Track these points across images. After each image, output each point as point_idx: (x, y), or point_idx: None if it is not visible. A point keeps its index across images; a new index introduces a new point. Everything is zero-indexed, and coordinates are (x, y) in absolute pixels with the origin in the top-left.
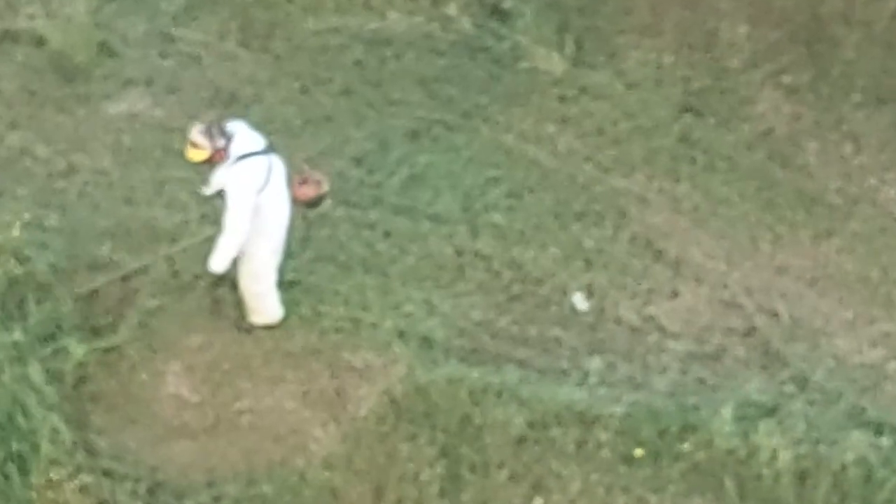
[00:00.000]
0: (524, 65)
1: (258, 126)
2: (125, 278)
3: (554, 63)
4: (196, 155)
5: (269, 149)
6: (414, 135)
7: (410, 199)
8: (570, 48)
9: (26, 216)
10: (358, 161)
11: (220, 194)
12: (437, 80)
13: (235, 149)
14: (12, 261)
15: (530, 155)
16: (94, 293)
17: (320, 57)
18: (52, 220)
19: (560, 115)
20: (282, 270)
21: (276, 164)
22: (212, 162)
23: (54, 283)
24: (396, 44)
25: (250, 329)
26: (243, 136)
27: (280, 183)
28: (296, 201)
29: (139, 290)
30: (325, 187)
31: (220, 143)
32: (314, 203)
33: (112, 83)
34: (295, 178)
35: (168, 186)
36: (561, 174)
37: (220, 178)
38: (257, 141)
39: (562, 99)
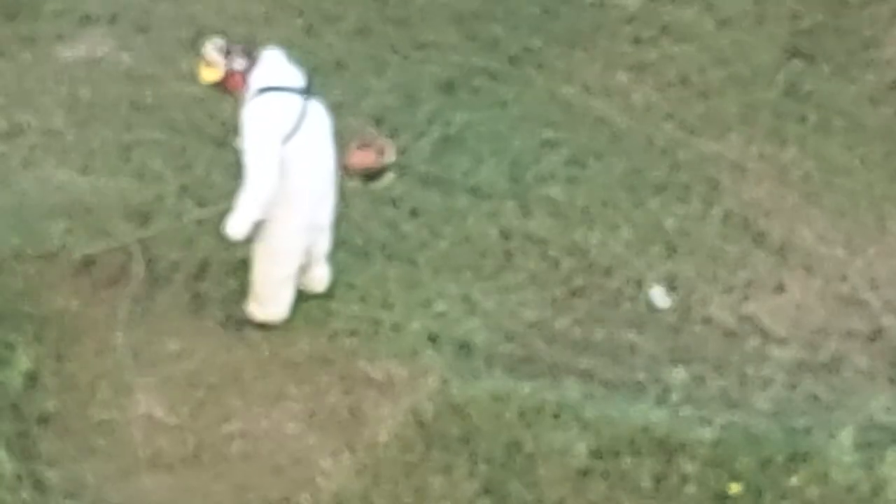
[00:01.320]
0: None
1: None
2: (82, 268)
3: None
4: (207, 74)
5: (309, 91)
6: (448, 86)
7: (444, 168)
8: None
9: None
10: (378, 119)
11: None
12: (478, 17)
13: (259, 78)
14: None
15: (596, 111)
16: (43, 287)
17: None
18: None
19: (635, 62)
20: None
21: (316, 113)
22: (226, 87)
23: None
24: None
25: (241, 325)
26: (274, 65)
27: (318, 138)
28: (348, 170)
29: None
30: (391, 156)
31: (239, 64)
32: (373, 175)
33: (66, 21)
34: (352, 142)
35: (137, 151)
36: (635, 136)
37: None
38: (293, 77)
39: (637, 41)
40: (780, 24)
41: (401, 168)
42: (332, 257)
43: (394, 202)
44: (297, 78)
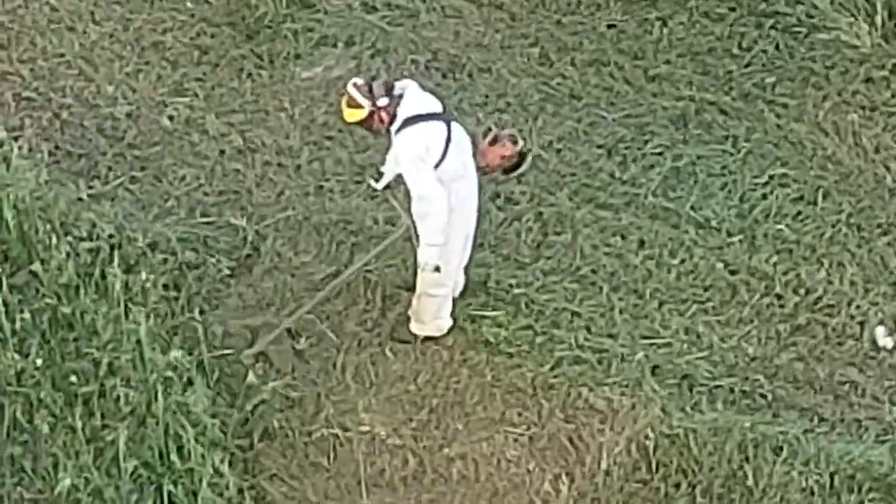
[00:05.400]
0: (822, 36)
1: (486, 103)
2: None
3: (860, 34)
4: (351, 115)
5: (448, 115)
6: (680, 120)
7: (673, 201)
8: (881, 15)
9: (190, 203)
10: (609, 151)
11: (393, 189)
12: (712, 52)
13: (405, 110)
14: (170, 259)
15: (827, 150)
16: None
17: (566, 18)
18: (223, 209)
19: (866, 102)
20: (467, 271)
21: (458, 136)
22: (370, 125)
23: (223, 290)
24: (662, 5)
25: (410, 341)
26: (414, 97)
27: (462, 159)
28: (488, 169)
29: (329, 302)
30: (521, 143)
31: (383, 101)
32: (514, 165)
33: (304, 41)
34: (479, 142)
35: (370, 173)
36: (865, 175)
37: (391, 163)
38: (431, 104)
39: (869, 80)
40: None
41: (578, 192)
42: (559, 285)
43: (622, 233)
44: (436, 104)
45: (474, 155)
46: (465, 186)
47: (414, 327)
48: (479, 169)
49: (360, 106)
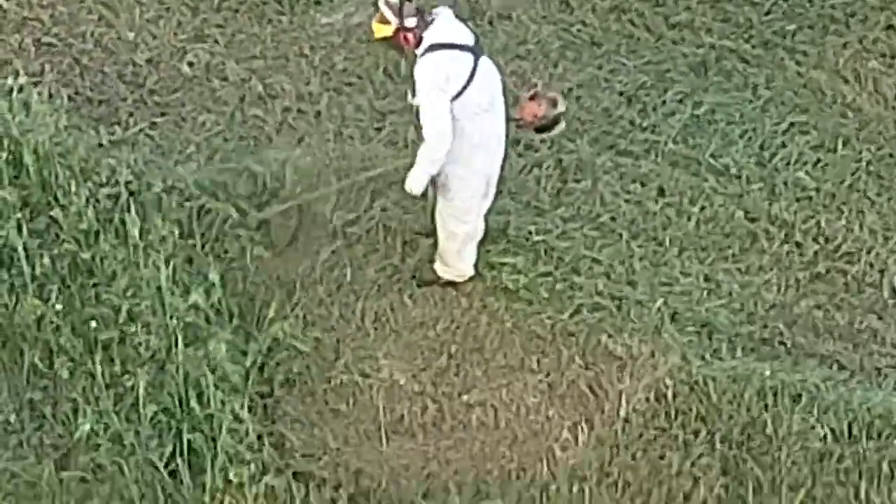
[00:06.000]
0: None
1: (506, 49)
2: (332, 233)
3: None
4: (379, 30)
5: (479, 48)
6: (700, 67)
7: (692, 148)
8: None
9: (209, 149)
10: (629, 98)
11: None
12: (732, 0)
13: (431, 35)
14: (190, 205)
15: (847, 97)
16: (296, 252)
17: None
18: (244, 156)
19: (886, 48)
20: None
21: (486, 70)
22: (396, 43)
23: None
24: None
25: (432, 282)
26: (444, 24)
27: (490, 94)
28: (521, 123)
29: (352, 244)
30: (562, 107)
31: (411, 22)
32: (546, 126)
33: None
34: (522, 95)
35: (390, 118)
36: (885, 122)
37: None
38: (464, 35)
39: (889, 28)
40: None
41: (599, 139)
42: (578, 232)
43: (642, 180)
44: (467, 36)
45: (513, 106)
46: (490, 123)
47: (438, 267)
48: (513, 120)
49: (388, 22)
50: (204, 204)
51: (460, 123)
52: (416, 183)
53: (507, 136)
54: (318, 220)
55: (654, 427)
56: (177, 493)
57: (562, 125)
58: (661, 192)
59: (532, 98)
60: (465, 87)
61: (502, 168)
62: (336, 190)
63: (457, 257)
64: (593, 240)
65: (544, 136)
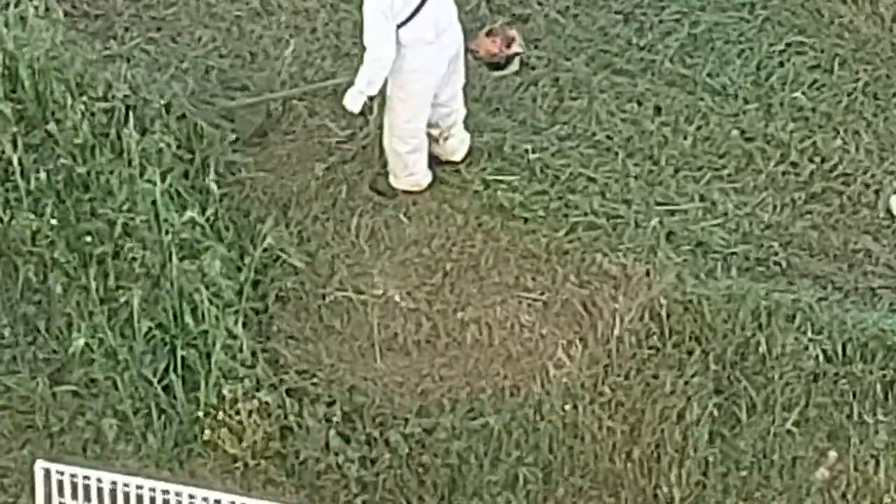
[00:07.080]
0: None
1: None
2: (326, 150)
3: None
4: None
5: None
6: None
7: (689, 68)
8: None
9: (206, 65)
10: (626, 17)
11: None
12: None
13: None
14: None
15: (844, 17)
16: (288, 167)
17: None
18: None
19: None
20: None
21: (437, 2)
22: None
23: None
24: None
25: (387, 193)
26: None
27: (440, 22)
28: (475, 55)
29: (347, 161)
30: (517, 48)
31: None
32: (498, 64)
33: None
34: (482, 30)
35: None
36: (882, 43)
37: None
38: None
39: None
40: None
41: (595, 57)
42: (574, 150)
43: (638, 99)
44: None
45: (468, 37)
46: (434, 54)
47: (392, 180)
48: (469, 51)
49: None
50: (198, 122)
51: (403, 50)
52: (352, 101)
53: (466, 65)
54: (315, 137)
55: (647, 346)
56: (170, 408)
57: (514, 66)
58: (658, 111)
59: (488, 34)
60: (412, 16)
61: (466, 85)
62: (300, 92)
63: (404, 171)
64: (589, 158)
65: (495, 74)
